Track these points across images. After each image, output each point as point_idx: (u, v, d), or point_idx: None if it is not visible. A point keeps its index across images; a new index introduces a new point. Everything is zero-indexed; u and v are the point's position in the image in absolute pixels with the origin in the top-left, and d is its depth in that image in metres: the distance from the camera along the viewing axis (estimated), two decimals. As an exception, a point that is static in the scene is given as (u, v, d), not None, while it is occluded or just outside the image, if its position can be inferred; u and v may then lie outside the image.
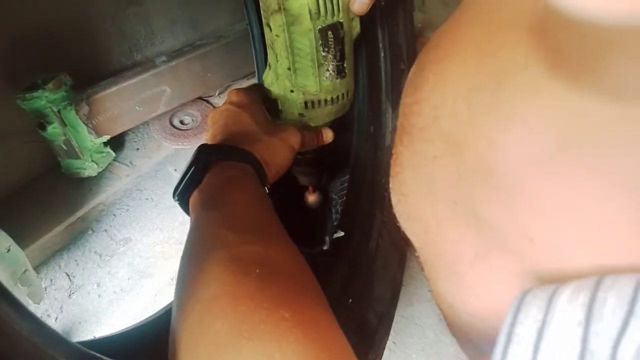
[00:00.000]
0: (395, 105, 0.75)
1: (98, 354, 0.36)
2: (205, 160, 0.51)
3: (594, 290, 0.14)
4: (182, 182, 0.50)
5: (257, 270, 0.36)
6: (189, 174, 0.50)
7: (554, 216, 0.17)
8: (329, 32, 0.55)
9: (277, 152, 0.57)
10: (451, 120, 0.20)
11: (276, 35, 0.56)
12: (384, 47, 0.72)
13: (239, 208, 0.45)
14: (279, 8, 0.54)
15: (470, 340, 0.23)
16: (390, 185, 0.26)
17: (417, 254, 0.25)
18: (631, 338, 0.13)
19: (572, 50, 0.15)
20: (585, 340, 0.14)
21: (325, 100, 0.61)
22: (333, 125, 0.67)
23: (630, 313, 0.13)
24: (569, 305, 0.15)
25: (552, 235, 0.17)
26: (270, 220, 0.46)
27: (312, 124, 0.65)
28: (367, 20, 0.57)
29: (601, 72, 0.15)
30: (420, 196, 0.23)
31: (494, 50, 0.19)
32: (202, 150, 0.52)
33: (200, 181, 0.49)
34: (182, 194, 0.50)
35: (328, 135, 0.66)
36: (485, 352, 0.17)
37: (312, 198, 0.78)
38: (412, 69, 0.24)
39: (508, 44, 0.18)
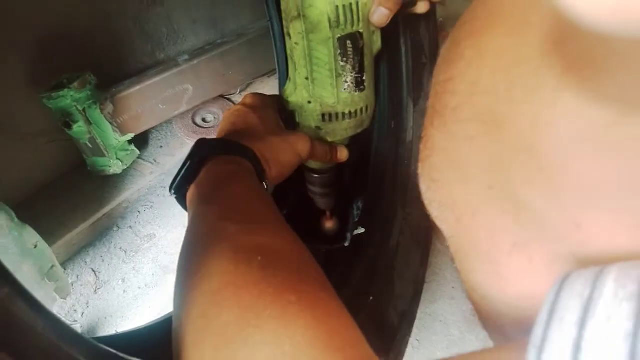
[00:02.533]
0: (417, 100, 0.74)
1: (112, 350, 0.36)
2: (201, 155, 0.50)
3: None
4: (179, 176, 0.50)
5: (259, 259, 0.35)
6: (185, 167, 0.50)
7: (606, 198, 0.15)
8: (348, 42, 0.55)
9: (279, 152, 0.56)
10: (488, 97, 0.19)
11: (295, 43, 0.56)
12: (406, 41, 0.71)
13: (237, 200, 0.45)
14: (299, 15, 0.53)
15: (504, 332, 0.21)
16: (419, 171, 0.24)
17: (447, 244, 0.24)
18: None
19: (582, 59, 0.14)
20: (638, 315, 0.12)
21: (343, 114, 0.60)
22: (350, 145, 0.66)
23: None
24: (618, 282, 0.13)
25: (602, 220, 0.16)
26: (268, 210, 0.45)
27: (329, 139, 0.63)
28: (389, 25, 0.56)
29: (606, 83, 0.14)
30: (453, 181, 0.21)
31: (536, 20, 0.18)
32: (200, 144, 0.51)
33: (197, 175, 0.49)
34: (179, 188, 0.49)
35: (343, 154, 0.65)
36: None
37: (329, 224, 0.76)
38: (445, 46, 0.23)
39: (538, 19, 0.17)
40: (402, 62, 0.72)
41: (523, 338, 0.15)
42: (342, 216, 0.77)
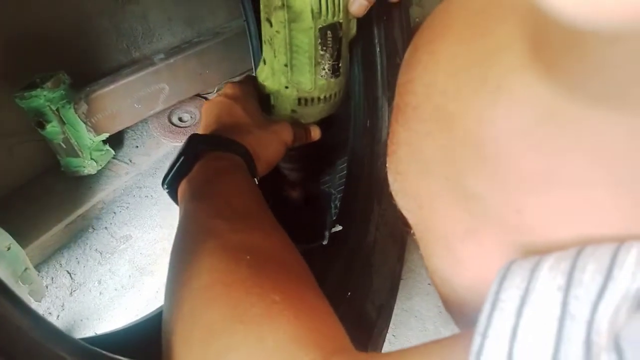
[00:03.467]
0: (391, 100, 0.76)
1: (99, 349, 0.36)
2: (195, 150, 0.51)
3: (575, 258, 0.15)
4: (172, 171, 0.50)
5: (248, 257, 0.36)
6: (178, 163, 0.50)
7: (539, 187, 0.17)
8: (329, 32, 0.56)
9: (268, 146, 0.57)
10: (442, 97, 0.21)
11: (276, 32, 0.57)
12: (380, 41, 0.72)
13: (228, 198, 0.45)
14: (282, 5, 0.54)
15: (464, 315, 0.23)
16: (387, 165, 0.26)
17: (412, 232, 0.26)
18: (609, 301, 0.14)
19: (557, 51, 0.16)
20: (565, 303, 0.14)
21: (319, 98, 0.61)
22: (320, 122, 0.68)
23: (608, 278, 0.14)
24: (550, 273, 0.15)
25: (537, 206, 0.17)
26: (259, 209, 0.46)
27: (302, 121, 0.65)
28: (365, 14, 0.57)
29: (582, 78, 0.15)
30: (415, 173, 0.23)
31: (484, 29, 0.20)
32: (193, 140, 0.52)
33: (190, 171, 0.49)
34: (171, 183, 0.50)
35: (316, 133, 0.67)
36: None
37: (295, 194, 0.78)
38: (407, 50, 0.25)
39: (498, 23, 0.19)
40: (377, 62, 0.73)
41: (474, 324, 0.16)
42: (319, 215, 0.78)
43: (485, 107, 0.18)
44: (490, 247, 0.20)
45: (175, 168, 0.50)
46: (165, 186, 0.51)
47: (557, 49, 0.15)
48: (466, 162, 0.19)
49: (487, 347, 0.15)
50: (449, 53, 0.21)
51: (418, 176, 0.23)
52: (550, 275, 0.15)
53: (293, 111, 0.63)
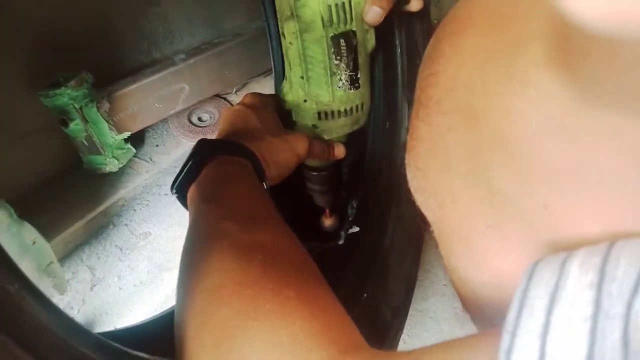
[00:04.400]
0: (411, 101, 0.75)
1: (120, 346, 0.37)
2: (203, 154, 0.51)
3: (606, 253, 0.15)
4: (180, 175, 0.50)
5: (260, 257, 0.36)
6: (187, 167, 0.50)
7: (567, 182, 0.17)
8: (342, 40, 0.55)
9: (279, 152, 0.57)
10: (466, 91, 0.20)
11: (289, 43, 0.57)
12: (401, 42, 0.72)
13: (237, 200, 0.45)
14: (292, 14, 0.54)
15: (483, 314, 0.23)
16: (406, 161, 0.26)
17: (431, 229, 0.25)
18: None
19: (578, 56, 0.15)
20: (598, 301, 0.14)
21: (339, 112, 0.61)
22: (348, 142, 0.67)
23: None
24: (581, 268, 0.15)
25: (565, 201, 0.17)
26: (268, 210, 0.46)
27: (325, 137, 0.64)
28: (383, 23, 0.57)
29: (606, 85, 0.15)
30: (435, 170, 0.23)
31: (508, 22, 0.19)
32: (201, 144, 0.52)
33: (198, 175, 0.50)
34: (180, 187, 0.50)
35: (340, 151, 0.66)
36: (498, 323, 0.18)
37: (328, 222, 0.76)
38: (429, 43, 0.25)
39: (522, 17, 0.18)
40: (397, 63, 0.73)
41: (499, 322, 0.16)
42: (338, 214, 0.78)
43: (513, 100, 0.18)
44: (514, 244, 0.19)
45: (184, 172, 0.50)
46: (175, 191, 0.51)
47: (579, 50, 0.15)
48: (491, 156, 0.19)
49: (517, 346, 0.15)
50: (473, 45, 0.21)
51: (439, 172, 0.22)
52: (580, 271, 0.15)
53: (314, 126, 0.62)
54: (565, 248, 0.16)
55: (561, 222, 0.17)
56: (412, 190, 0.26)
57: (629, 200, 0.16)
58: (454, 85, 0.21)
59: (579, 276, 0.15)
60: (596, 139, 0.16)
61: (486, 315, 0.22)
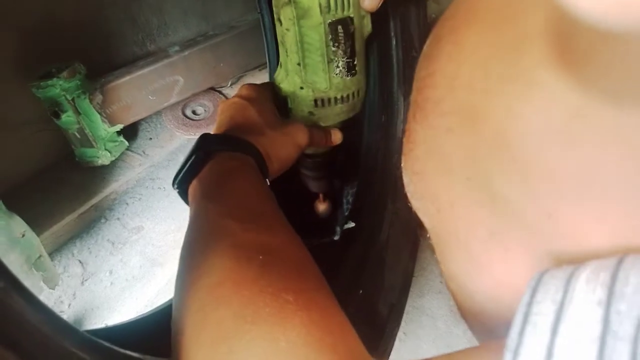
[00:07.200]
0: (407, 94, 0.75)
1: (107, 343, 0.36)
2: (206, 150, 0.50)
3: (615, 269, 0.14)
4: (183, 170, 0.50)
5: (260, 257, 0.36)
6: (189, 162, 0.50)
7: (572, 190, 0.16)
8: (339, 27, 0.55)
9: (281, 147, 0.56)
10: (467, 90, 0.19)
11: (286, 29, 0.56)
12: (396, 35, 0.72)
13: (240, 198, 0.45)
14: (289, 1, 0.54)
15: (481, 323, 0.22)
16: (402, 165, 0.25)
17: (428, 235, 0.24)
18: None
19: (583, 54, 0.15)
20: (606, 320, 0.13)
21: (335, 99, 0.60)
22: (344, 127, 0.66)
23: None
24: (588, 285, 0.14)
25: (570, 209, 0.16)
26: (271, 209, 0.46)
27: (322, 124, 0.64)
28: (380, 9, 0.56)
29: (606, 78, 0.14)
30: (433, 174, 0.22)
31: (512, 16, 0.18)
32: (204, 139, 0.51)
33: (201, 170, 0.49)
34: (182, 183, 0.49)
35: (337, 136, 0.65)
36: (497, 333, 0.17)
37: (322, 207, 0.76)
38: (427, 42, 0.24)
39: (525, 13, 0.18)
40: (393, 56, 0.72)
41: (498, 337, 0.15)
42: (333, 205, 0.77)
43: (517, 101, 0.17)
44: (516, 252, 0.18)
45: (186, 167, 0.49)
46: (176, 186, 0.50)
47: (583, 45, 0.14)
48: (492, 160, 0.18)
49: None
50: (475, 42, 0.20)
51: (437, 176, 0.22)
52: (588, 288, 0.14)
53: (310, 113, 0.62)
54: (569, 259, 0.16)
55: (566, 232, 0.16)
56: (409, 195, 0.25)
57: (635, 208, 0.15)
58: (454, 84, 0.20)
59: (587, 293, 0.14)
60: (602, 143, 0.15)
61: (485, 324, 0.22)
